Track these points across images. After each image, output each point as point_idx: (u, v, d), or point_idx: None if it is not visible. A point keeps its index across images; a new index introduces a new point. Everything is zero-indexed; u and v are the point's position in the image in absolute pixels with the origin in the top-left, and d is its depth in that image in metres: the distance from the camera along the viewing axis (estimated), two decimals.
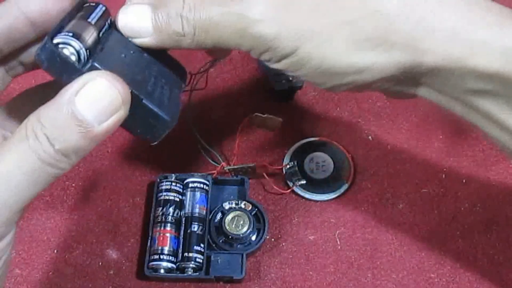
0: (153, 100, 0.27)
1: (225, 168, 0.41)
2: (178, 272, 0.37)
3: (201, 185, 0.39)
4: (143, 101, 0.26)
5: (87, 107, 0.23)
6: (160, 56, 0.30)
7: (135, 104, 0.26)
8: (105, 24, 0.28)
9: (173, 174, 0.40)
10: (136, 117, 0.26)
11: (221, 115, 0.46)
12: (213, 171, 0.42)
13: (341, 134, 0.45)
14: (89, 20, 0.26)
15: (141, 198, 0.42)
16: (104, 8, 0.28)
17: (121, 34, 0.28)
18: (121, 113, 0.24)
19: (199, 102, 0.47)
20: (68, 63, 0.24)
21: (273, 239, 0.40)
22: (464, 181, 0.43)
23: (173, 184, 0.39)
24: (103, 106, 0.23)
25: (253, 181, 0.42)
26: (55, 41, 0.24)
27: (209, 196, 0.40)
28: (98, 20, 0.27)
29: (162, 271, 0.36)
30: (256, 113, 0.40)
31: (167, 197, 0.39)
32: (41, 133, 0.23)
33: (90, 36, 0.25)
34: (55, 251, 0.39)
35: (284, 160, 0.44)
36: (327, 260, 0.39)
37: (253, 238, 0.39)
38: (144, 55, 0.29)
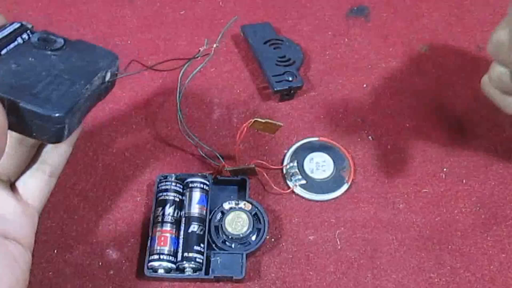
0: (35, 101, 0.27)
1: (225, 169, 0.41)
2: (178, 272, 0.37)
3: (201, 185, 0.39)
4: (20, 104, 0.27)
5: None
6: (75, 52, 0.31)
7: (14, 108, 0.27)
8: (13, 41, 0.30)
9: (173, 174, 0.40)
10: (24, 121, 0.27)
11: (221, 115, 0.46)
12: (213, 171, 0.42)
13: (341, 134, 0.45)
14: None
15: (141, 198, 0.42)
16: (17, 26, 0.31)
17: (33, 46, 0.30)
18: None
19: (199, 102, 0.47)
20: None
21: (273, 239, 0.40)
22: (464, 181, 0.43)
23: (173, 184, 0.39)
24: None
25: (253, 181, 0.42)
26: None
27: (209, 196, 0.40)
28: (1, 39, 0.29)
29: (162, 271, 0.37)
30: (256, 119, 0.39)
31: (167, 197, 0.39)
32: None
33: None
34: (55, 251, 0.39)
35: (284, 160, 0.44)
36: (327, 260, 0.39)
37: (253, 238, 0.39)
38: (52, 57, 0.30)
